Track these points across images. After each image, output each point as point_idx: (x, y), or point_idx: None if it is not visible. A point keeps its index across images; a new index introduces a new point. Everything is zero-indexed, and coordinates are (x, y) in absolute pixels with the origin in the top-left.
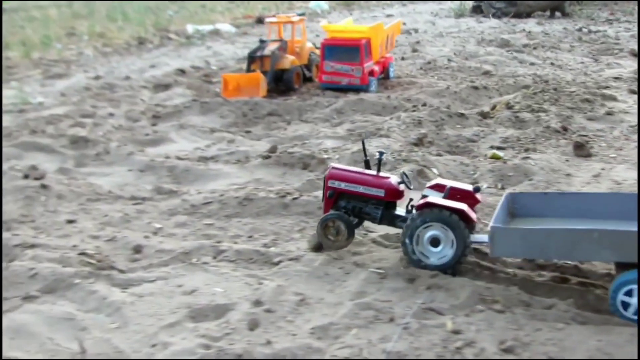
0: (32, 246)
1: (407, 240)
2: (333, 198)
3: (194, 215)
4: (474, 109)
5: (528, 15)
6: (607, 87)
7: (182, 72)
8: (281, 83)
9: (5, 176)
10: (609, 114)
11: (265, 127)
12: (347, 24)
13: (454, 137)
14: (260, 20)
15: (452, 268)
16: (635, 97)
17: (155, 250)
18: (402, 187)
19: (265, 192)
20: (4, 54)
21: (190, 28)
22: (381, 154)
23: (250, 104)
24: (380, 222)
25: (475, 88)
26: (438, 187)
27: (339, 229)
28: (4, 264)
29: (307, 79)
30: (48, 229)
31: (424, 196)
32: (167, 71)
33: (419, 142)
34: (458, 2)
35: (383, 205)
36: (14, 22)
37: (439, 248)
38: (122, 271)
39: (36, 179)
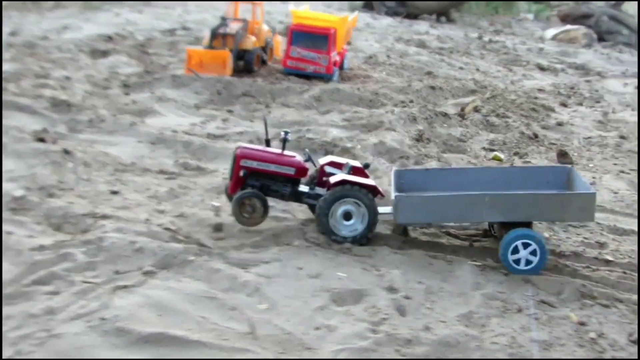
0: (104, 217)
1: (323, 215)
2: (244, 177)
3: None
4: (437, 108)
5: (416, 17)
6: (536, 98)
7: (109, 38)
8: (241, 63)
9: (7, 135)
10: (559, 124)
11: (243, 107)
12: (307, 12)
13: (446, 136)
14: None
15: (362, 239)
16: (568, 110)
17: (237, 229)
18: (308, 164)
19: None
20: None
21: None
22: (286, 133)
23: (223, 82)
24: (287, 199)
25: (432, 88)
26: (334, 164)
27: (254, 206)
28: (74, 233)
29: (262, 62)
30: (96, 199)
31: (329, 173)
32: (89, 35)
33: (419, 138)
34: None
35: (291, 183)
36: None
37: (351, 221)
38: (219, 250)
39: (44, 141)
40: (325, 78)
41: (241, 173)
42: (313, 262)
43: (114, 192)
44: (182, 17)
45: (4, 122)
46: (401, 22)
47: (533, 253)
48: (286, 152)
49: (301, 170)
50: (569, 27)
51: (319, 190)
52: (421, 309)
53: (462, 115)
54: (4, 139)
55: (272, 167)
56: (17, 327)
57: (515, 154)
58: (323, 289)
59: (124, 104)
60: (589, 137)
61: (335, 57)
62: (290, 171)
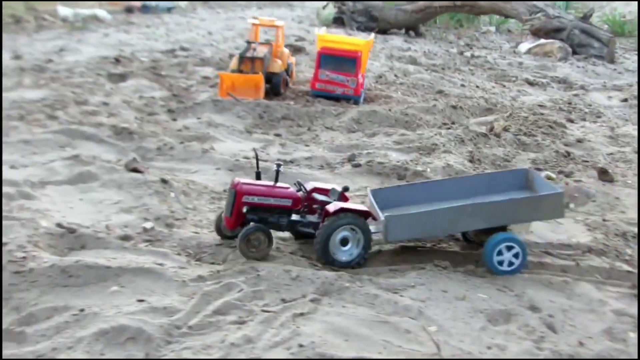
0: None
1: (323, 242)
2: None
3: None
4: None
5: (385, 32)
6: (542, 114)
7: (117, 61)
8: (269, 86)
9: (95, 166)
10: (579, 141)
11: (287, 131)
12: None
13: (492, 156)
14: (129, 10)
15: (359, 262)
16: (576, 125)
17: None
18: (300, 194)
19: None
20: None
21: (62, 10)
22: (279, 165)
23: (262, 106)
24: (284, 229)
25: (454, 107)
26: (319, 190)
27: (259, 240)
28: (219, 263)
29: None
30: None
31: (322, 201)
32: (92, 57)
33: (472, 159)
34: (325, 12)
35: (287, 214)
36: None
37: (347, 247)
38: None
39: (138, 171)
40: (352, 100)
41: (244, 209)
42: (452, 285)
43: None
44: (170, 36)
45: (79, 151)
46: (375, 37)
47: (515, 255)
48: (279, 184)
49: (297, 201)
50: (542, 41)
51: (310, 217)
52: (565, 326)
53: (497, 135)
54: (93, 169)
55: (271, 200)
56: (225, 356)
57: (561, 172)
58: (475, 310)
59: (178, 130)
60: (611, 154)
61: (361, 79)
62: (287, 203)
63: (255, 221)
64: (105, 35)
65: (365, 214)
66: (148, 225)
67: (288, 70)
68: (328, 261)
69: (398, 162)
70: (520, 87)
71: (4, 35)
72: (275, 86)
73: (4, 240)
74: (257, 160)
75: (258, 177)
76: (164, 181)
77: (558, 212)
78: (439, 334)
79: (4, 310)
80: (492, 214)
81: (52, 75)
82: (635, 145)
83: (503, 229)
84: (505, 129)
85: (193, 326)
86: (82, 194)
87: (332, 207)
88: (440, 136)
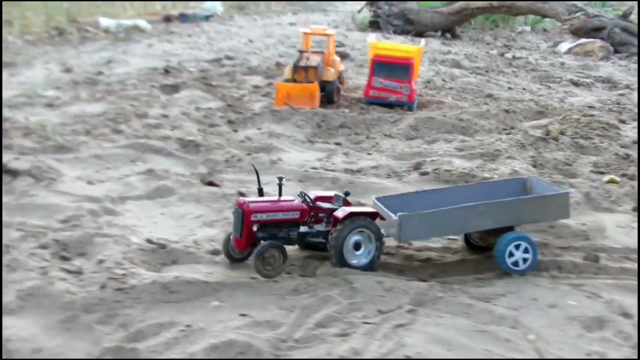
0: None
1: (338, 249)
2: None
3: None
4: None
5: (421, 34)
6: (592, 116)
7: (166, 72)
8: (322, 94)
9: (170, 180)
10: (634, 142)
11: (346, 139)
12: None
13: (553, 161)
14: (168, 19)
15: (375, 264)
16: (628, 126)
17: (440, 263)
18: (305, 205)
19: None
20: None
21: (104, 21)
22: (280, 179)
23: (319, 115)
24: (293, 243)
25: (507, 112)
26: (323, 199)
27: (274, 257)
28: (309, 275)
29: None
30: None
31: (328, 209)
32: (140, 68)
33: (535, 164)
34: (361, 16)
35: (296, 226)
36: None
37: (361, 250)
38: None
39: (215, 185)
40: (405, 106)
41: (254, 228)
42: (541, 293)
43: None
44: (213, 45)
45: (151, 165)
46: (412, 40)
47: (525, 251)
48: (283, 198)
49: (304, 213)
50: (583, 40)
51: (318, 227)
52: None
53: (555, 138)
54: (169, 183)
55: (280, 215)
56: None
57: (623, 175)
58: (569, 317)
59: (241, 142)
60: None
61: (414, 85)
62: (296, 215)
63: (266, 238)
64: (149, 45)
65: (374, 216)
66: None
67: (340, 78)
68: (344, 266)
69: (464, 169)
70: (566, 88)
71: (51, 48)
72: (328, 94)
73: (100, 257)
74: (258, 176)
75: (260, 193)
76: (241, 194)
77: (564, 212)
78: (537, 342)
79: (110, 328)
80: (501, 213)
81: (106, 88)
82: None
83: (510, 230)
84: (562, 133)
85: (299, 339)
86: (163, 209)
87: (340, 213)
88: (501, 142)
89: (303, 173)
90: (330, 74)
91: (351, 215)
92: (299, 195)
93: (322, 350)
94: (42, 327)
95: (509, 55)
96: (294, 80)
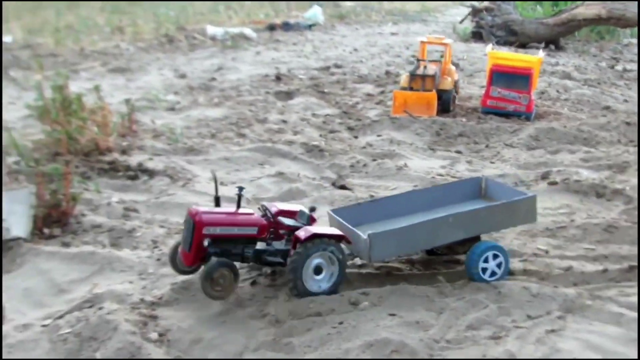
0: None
1: (297, 271)
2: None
3: (558, 238)
4: None
5: (524, 46)
6: None
7: (278, 79)
8: (438, 103)
9: (302, 182)
10: None
11: (466, 148)
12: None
13: None
14: (272, 27)
15: (332, 292)
16: None
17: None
18: (264, 220)
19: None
20: (33, 40)
21: (210, 29)
22: (241, 189)
23: (438, 123)
24: (249, 261)
25: (628, 124)
26: (285, 213)
27: (223, 276)
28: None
29: None
30: None
31: (290, 226)
32: (252, 75)
33: None
34: (462, 26)
35: (252, 243)
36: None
37: (322, 275)
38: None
39: (347, 189)
40: (523, 116)
41: (205, 243)
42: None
43: None
44: (319, 53)
45: (279, 168)
46: (516, 51)
47: (499, 265)
48: (242, 210)
49: (263, 228)
50: None
51: (278, 244)
52: None
53: None
54: (301, 186)
55: (235, 230)
56: None
57: None
58: None
59: (362, 148)
60: None
61: (533, 95)
62: (253, 231)
63: (218, 254)
64: (257, 53)
65: (339, 238)
66: None
67: (455, 87)
68: (301, 293)
69: (593, 179)
70: None
71: (162, 54)
72: (445, 103)
73: None
74: (216, 183)
75: (217, 203)
76: (372, 197)
77: (532, 216)
78: None
79: (263, 322)
80: (472, 223)
81: (222, 94)
82: None
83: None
84: None
85: (450, 340)
86: None
87: (302, 233)
88: (628, 154)
89: (430, 180)
90: (447, 83)
91: (314, 236)
92: (259, 208)
93: (476, 352)
94: (197, 320)
95: (618, 67)
96: (411, 89)
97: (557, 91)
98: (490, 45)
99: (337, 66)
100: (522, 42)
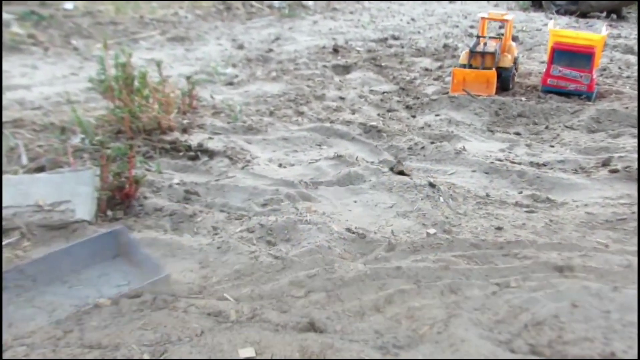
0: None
1: None
2: None
3: (619, 232)
4: None
5: (585, 15)
6: None
7: (335, 51)
8: (497, 81)
9: (361, 167)
10: None
11: (525, 129)
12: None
13: None
14: None
15: None
16: None
17: None
18: None
19: None
20: (94, 7)
21: None
22: None
23: (497, 102)
24: None
25: None
26: None
27: None
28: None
29: None
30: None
31: None
32: (309, 47)
33: None
34: None
35: None
36: None
37: None
38: None
39: (405, 174)
40: (583, 96)
41: None
42: None
43: (498, 229)
44: (377, 23)
45: (337, 149)
46: (577, 21)
47: None
48: None
49: None
50: None
51: None
52: None
53: None
54: (359, 170)
55: None
56: None
57: None
58: None
59: (420, 128)
60: None
61: (595, 75)
62: None
63: None
64: (314, 22)
65: None
66: (431, 231)
67: (515, 64)
68: None
69: None
70: None
71: (220, 23)
72: (504, 81)
73: (305, 244)
74: None
75: None
76: (431, 185)
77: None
78: None
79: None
80: None
81: (280, 67)
82: None
83: None
84: None
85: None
86: (355, 196)
87: None
88: None
89: (489, 165)
90: (507, 61)
91: None
92: None
93: None
94: None
95: None
96: (470, 66)
97: (619, 67)
98: (552, 22)
99: (395, 38)
100: (583, 11)
